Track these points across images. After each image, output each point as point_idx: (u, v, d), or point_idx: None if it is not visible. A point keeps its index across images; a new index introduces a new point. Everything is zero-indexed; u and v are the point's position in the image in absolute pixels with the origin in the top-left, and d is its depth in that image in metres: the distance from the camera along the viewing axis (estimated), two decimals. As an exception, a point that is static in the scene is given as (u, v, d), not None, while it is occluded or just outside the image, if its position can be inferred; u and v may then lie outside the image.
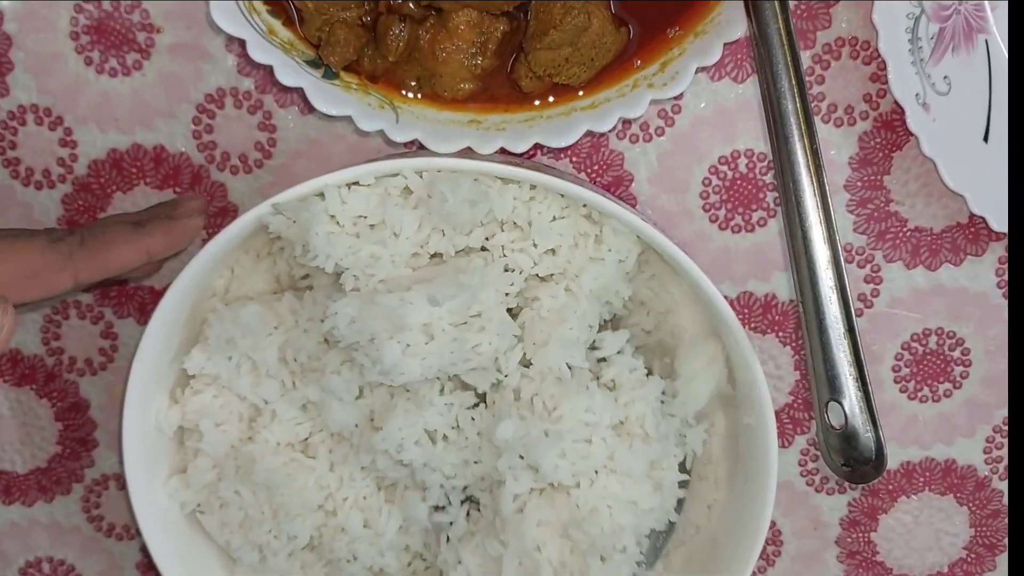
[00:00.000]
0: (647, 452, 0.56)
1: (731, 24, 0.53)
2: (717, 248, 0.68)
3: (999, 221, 0.63)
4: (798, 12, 0.63)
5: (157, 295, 0.68)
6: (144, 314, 0.69)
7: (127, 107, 0.64)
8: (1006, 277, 0.69)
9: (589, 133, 0.56)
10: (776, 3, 0.50)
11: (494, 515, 0.58)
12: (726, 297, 0.64)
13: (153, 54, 0.63)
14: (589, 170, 0.67)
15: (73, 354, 0.70)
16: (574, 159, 0.66)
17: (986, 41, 0.63)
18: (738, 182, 0.67)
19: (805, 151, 0.54)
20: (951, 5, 0.62)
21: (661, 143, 0.66)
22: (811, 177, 0.52)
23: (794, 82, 0.52)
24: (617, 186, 0.67)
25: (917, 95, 0.62)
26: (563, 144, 0.54)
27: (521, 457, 0.55)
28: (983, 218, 0.63)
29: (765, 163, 0.66)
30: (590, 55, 0.53)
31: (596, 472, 0.56)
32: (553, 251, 0.56)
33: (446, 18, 0.53)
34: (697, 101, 0.65)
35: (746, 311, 0.70)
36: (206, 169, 0.66)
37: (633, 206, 0.67)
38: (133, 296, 0.69)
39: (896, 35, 0.61)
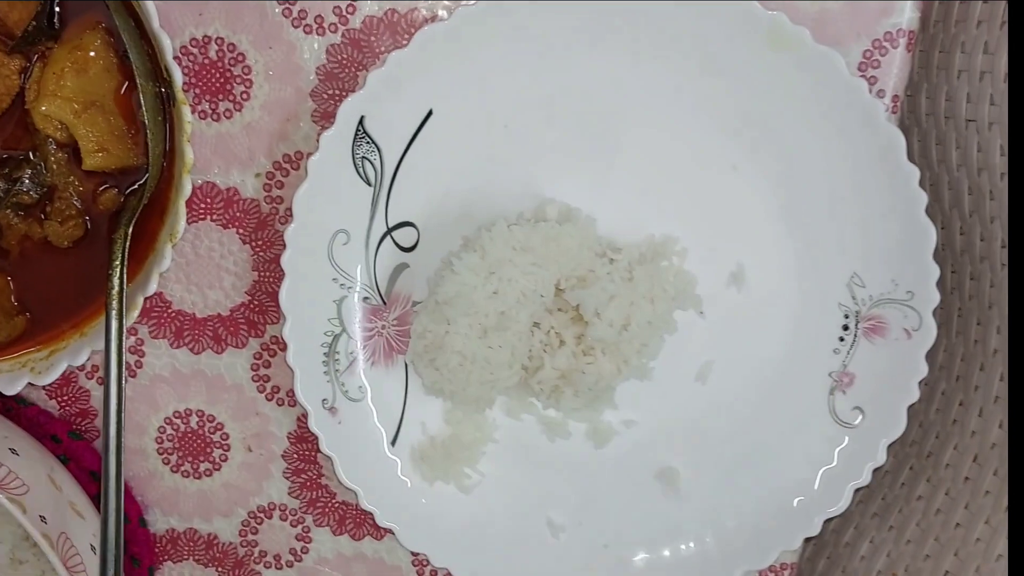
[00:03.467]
0: None
1: (100, 335, 0.62)
2: (167, 487, 0.77)
3: (385, 517, 0.72)
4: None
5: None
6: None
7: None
8: (419, 555, 0.79)
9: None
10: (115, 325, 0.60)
11: None
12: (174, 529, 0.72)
13: None
14: (60, 399, 0.75)
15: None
16: (47, 388, 0.75)
17: (405, 361, 0.74)
18: (189, 435, 0.76)
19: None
20: (374, 328, 0.73)
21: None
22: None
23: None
24: (83, 417, 0.75)
25: (324, 400, 0.71)
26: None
27: None
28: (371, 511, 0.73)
29: (214, 423, 0.76)
30: (-19, 336, 0.62)
31: None
32: None
33: None
34: (156, 361, 0.74)
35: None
36: None
37: (96, 436, 0.76)
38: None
39: (309, 349, 0.70)
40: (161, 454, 0.76)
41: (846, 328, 0.72)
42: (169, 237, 0.60)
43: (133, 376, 0.74)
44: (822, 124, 0.67)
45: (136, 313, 0.61)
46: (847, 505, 0.72)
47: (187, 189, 0.59)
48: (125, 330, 0.59)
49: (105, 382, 0.59)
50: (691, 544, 0.73)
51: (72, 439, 0.75)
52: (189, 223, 0.70)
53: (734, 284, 0.72)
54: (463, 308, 0.67)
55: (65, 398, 0.75)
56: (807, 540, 0.75)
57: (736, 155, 0.70)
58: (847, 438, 0.71)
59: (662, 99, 0.69)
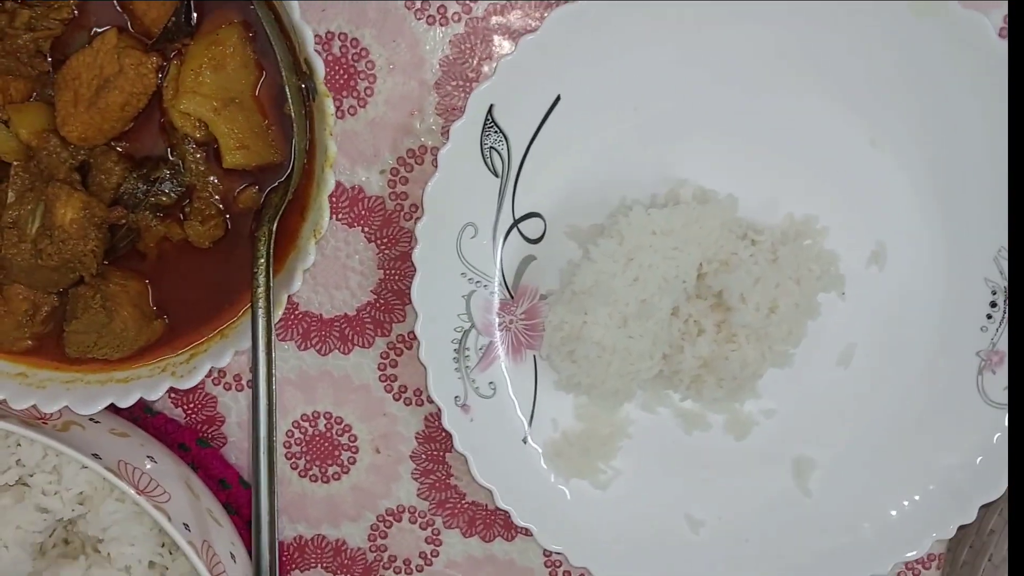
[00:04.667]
0: None
1: (243, 335, 0.61)
2: (295, 492, 0.75)
3: (522, 516, 0.71)
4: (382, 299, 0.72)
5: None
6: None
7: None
8: (552, 556, 0.77)
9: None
10: (263, 323, 0.58)
11: None
12: (301, 536, 0.71)
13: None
14: (186, 407, 0.74)
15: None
16: (172, 395, 0.74)
17: (534, 356, 0.72)
18: (316, 438, 0.75)
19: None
20: (503, 322, 0.71)
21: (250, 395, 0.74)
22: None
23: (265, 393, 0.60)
24: (210, 424, 0.74)
25: (457, 397, 0.70)
26: (87, 412, 0.61)
27: None
28: (507, 511, 0.71)
29: (342, 425, 0.74)
30: (115, 343, 0.61)
31: None
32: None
33: (2, 288, 0.60)
34: (283, 364, 0.73)
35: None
36: None
37: (224, 443, 0.75)
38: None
39: (439, 346, 0.69)
40: (289, 459, 0.75)
41: (994, 304, 0.69)
42: (313, 233, 0.59)
43: (259, 381, 0.73)
44: (966, 91, 0.65)
45: (281, 311, 0.60)
46: (1004, 490, 0.69)
47: (330, 184, 0.58)
48: (273, 328, 0.58)
49: (254, 382, 0.58)
50: (837, 536, 0.71)
51: (200, 447, 0.74)
52: (314, 223, 0.69)
53: (875, 263, 0.70)
54: (602, 297, 0.66)
55: (191, 405, 0.74)
56: (955, 528, 0.72)
57: (874, 129, 0.67)
58: (1002, 420, 0.68)
59: (795, 74, 0.67)
